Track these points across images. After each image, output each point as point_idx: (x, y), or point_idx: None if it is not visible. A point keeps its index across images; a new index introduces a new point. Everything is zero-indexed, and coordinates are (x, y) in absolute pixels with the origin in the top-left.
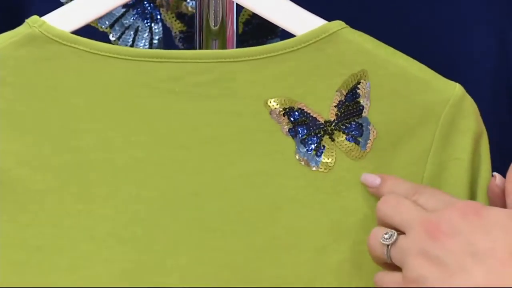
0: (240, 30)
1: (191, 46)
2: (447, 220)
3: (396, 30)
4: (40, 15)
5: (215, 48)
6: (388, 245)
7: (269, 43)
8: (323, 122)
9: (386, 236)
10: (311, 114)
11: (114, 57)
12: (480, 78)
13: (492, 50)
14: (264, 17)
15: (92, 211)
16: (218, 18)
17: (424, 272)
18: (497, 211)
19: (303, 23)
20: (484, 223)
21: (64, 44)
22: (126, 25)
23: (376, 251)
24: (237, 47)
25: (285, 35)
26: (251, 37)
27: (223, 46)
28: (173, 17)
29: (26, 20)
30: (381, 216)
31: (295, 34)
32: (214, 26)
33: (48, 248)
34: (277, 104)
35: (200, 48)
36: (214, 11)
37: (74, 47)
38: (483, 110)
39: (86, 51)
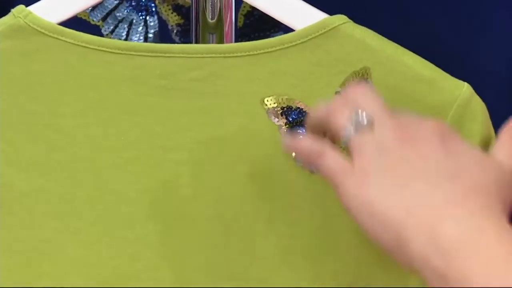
0: (241, 23)
1: (188, 40)
2: (422, 128)
3: (402, 25)
4: (27, 5)
5: (212, 43)
6: (354, 128)
7: (272, 37)
8: None
9: (356, 117)
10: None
11: (103, 51)
12: (492, 77)
13: (504, 49)
14: (260, 9)
15: (80, 213)
16: (215, 11)
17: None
18: (473, 149)
19: (302, 16)
20: (458, 151)
21: (50, 36)
22: (120, 18)
23: (338, 129)
24: (237, 41)
25: (290, 28)
26: (253, 30)
27: (221, 41)
28: (169, 9)
29: (12, 10)
30: (329, 111)
31: (293, 28)
32: (211, 19)
33: (32, 251)
34: (274, 103)
35: (197, 42)
36: (211, 3)
37: (60, 40)
38: (496, 110)
39: (73, 43)
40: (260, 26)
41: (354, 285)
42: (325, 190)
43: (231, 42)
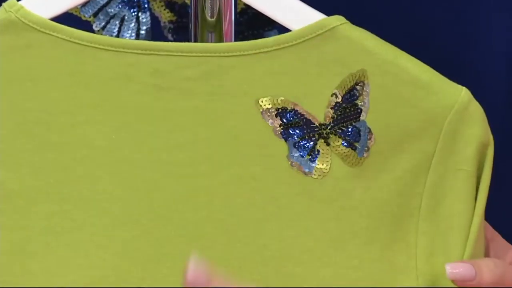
0: None
1: (181, 38)
2: None
3: (401, 26)
4: None
5: (212, 42)
6: None
7: (266, 35)
8: (318, 124)
9: None
10: (305, 116)
11: (96, 47)
12: (491, 79)
13: (505, 50)
14: (256, 8)
15: (69, 213)
16: (214, 9)
17: None
18: None
19: (299, 16)
20: None
21: (42, 32)
22: (111, 14)
23: None
24: (235, 41)
25: (284, 27)
26: (247, 28)
27: (220, 40)
28: (162, 5)
29: (3, 4)
30: None
31: (290, 29)
32: (211, 18)
33: (20, 252)
34: (269, 104)
35: (196, 41)
36: (211, 1)
37: (53, 35)
38: (495, 112)
39: (66, 40)
40: (254, 24)
41: (355, 286)
42: (319, 192)
43: (231, 41)
